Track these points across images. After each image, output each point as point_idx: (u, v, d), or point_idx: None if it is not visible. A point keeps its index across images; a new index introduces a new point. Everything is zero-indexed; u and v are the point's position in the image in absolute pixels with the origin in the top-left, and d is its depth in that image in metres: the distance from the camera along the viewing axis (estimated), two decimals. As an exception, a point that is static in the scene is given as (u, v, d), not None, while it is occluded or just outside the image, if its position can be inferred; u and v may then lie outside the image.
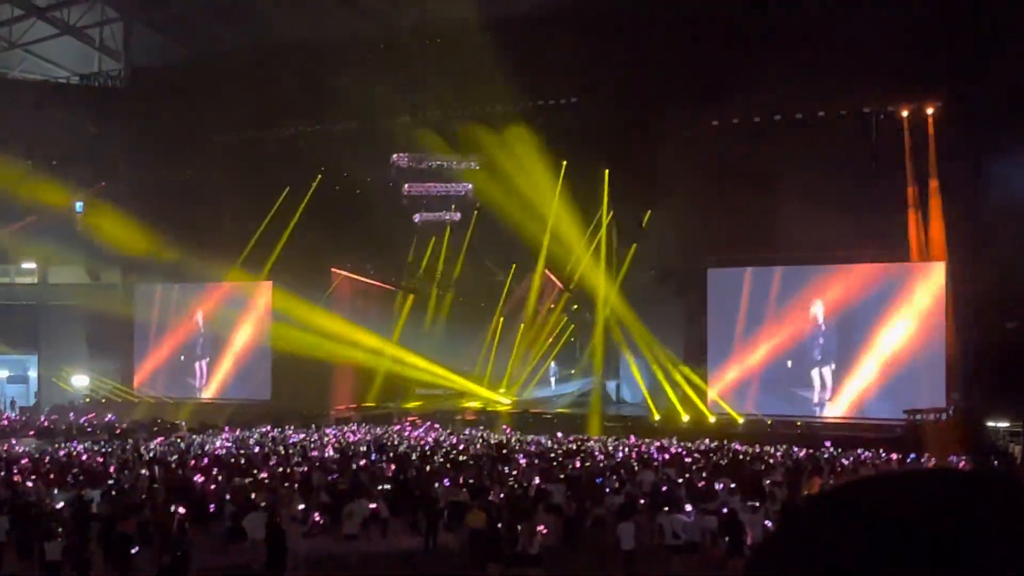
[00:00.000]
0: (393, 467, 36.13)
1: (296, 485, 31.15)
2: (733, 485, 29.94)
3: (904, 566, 1.59)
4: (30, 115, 59.55)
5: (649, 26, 51.42)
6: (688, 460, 39.07)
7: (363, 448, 43.95)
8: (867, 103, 49.78)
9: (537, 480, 32.46)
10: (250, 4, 62.02)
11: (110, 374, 68.33)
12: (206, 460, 38.28)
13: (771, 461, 39.22)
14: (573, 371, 61.93)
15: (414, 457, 39.67)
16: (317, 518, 27.49)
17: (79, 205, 66.50)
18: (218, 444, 45.56)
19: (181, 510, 26.53)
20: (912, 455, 40.15)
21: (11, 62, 71.38)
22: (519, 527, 24.64)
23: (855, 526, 1.67)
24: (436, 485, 31.06)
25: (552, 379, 61.00)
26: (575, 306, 60.68)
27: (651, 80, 52.59)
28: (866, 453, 41.41)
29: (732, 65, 49.55)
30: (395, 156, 62.31)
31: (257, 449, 43.08)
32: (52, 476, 33.76)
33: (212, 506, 28.58)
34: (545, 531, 24.45)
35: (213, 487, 31.38)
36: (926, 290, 49.66)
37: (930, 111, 49.27)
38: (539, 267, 60.68)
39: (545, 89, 56.59)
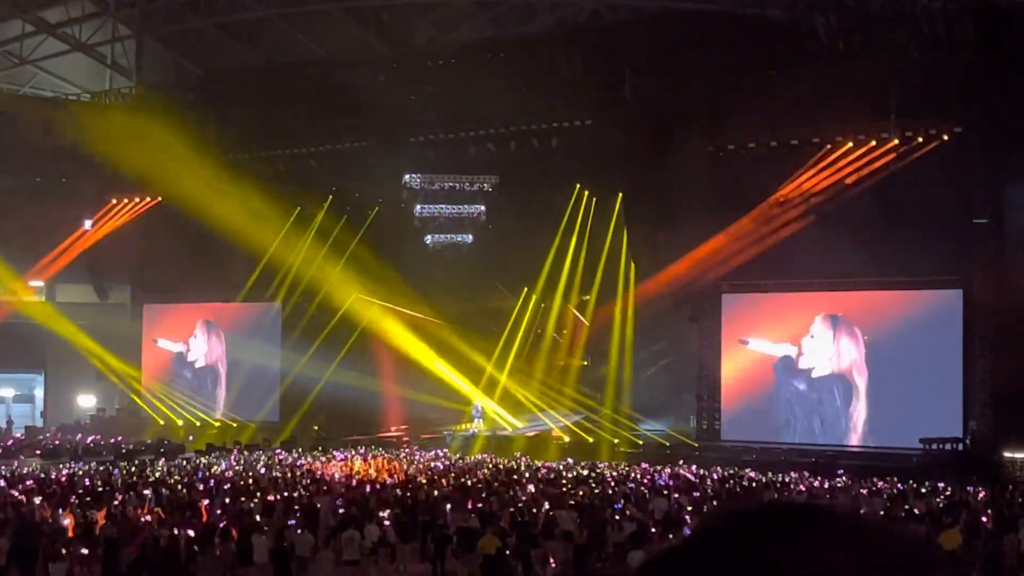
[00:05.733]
0: (400, 492, 35.75)
1: (303, 509, 30.72)
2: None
3: None
4: (40, 132, 59.30)
5: (665, 48, 51.07)
6: (701, 487, 38.64)
7: (370, 471, 43.58)
8: (886, 127, 49.30)
9: (547, 506, 32.02)
10: (263, 22, 61.83)
11: (117, 394, 68.07)
12: (213, 482, 37.93)
13: (784, 490, 38.78)
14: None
15: (422, 481, 39.27)
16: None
17: (88, 223, 66.26)
18: (225, 466, 45.18)
19: (189, 532, 26.25)
20: (927, 484, 39.64)
21: (22, 79, 71.20)
22: (532, 553, 24.28)
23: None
24: (445, 510, 30.68)
25: (476, 419, 59.52)
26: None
27: (667, 102, 52.24)
28: (881, 482, 40.92)
29: (748, 88, 49.28)
30: (407, 176, 61.89)
31: (264, 471, 42.71)
32: (57, 497, 33.37)
33: (218, 529, 28.16)
34: (554, 561, 24.12)
35: (219, 510, 30.99)
36: (943, 317, 49.13)
37: (947, 137, 48.77)
38: (557, 299, 60.06)
39: (559, 110, 56.12)
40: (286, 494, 34.62)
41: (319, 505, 31.99)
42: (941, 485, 39.38)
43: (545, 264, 58.70)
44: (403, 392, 59.96)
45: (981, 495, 36.86)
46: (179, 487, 36.53)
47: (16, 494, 33.71)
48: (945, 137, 48.73)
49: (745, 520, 1.69)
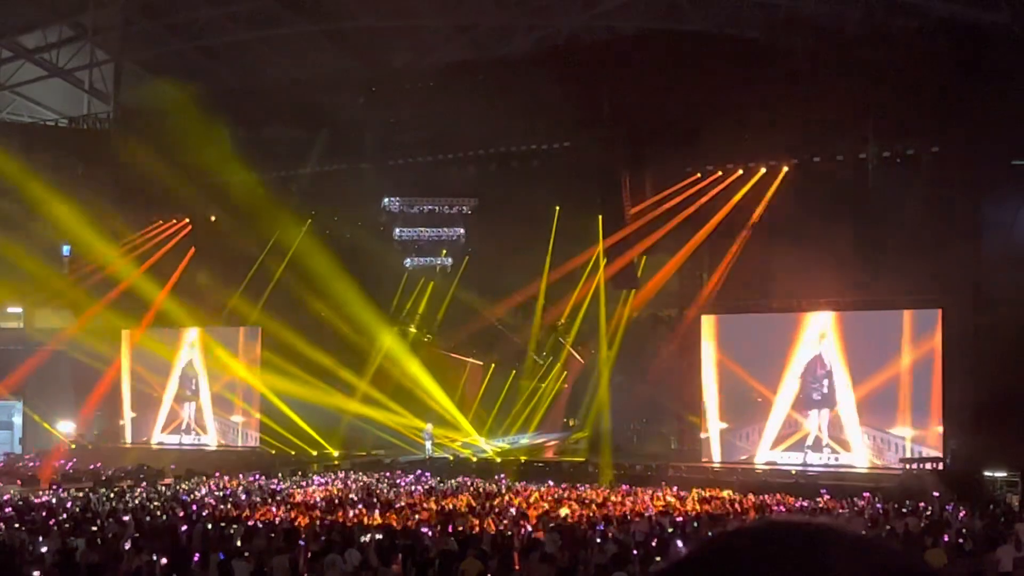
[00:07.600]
0: (380, 516, 35.67)
1: (283, 533, 30.57)
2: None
3: None
4: (17, 158, 59.04)
5: (642, 68, 51.25)
6: (682, 509, 38.58)
7: (351, 496, 43.38)
8: (863, 148, 49.50)
9: (528, 528, 31.97)
10: (242, 45, 61.77)
11: (96, 419, 67.74)
12: (193, 508, 37.76)
13: (766, 512, 38.73)
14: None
15: (401, 505, 39.16)
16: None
17: (66, 248, 66.01)
18: (204, 491, 45.01)
19: (163, 560, 26.09)
20: (908, 504, 39.65)
21: (-1, 105, 71.15)
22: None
23: None
24: (425, 533, 30.56)
25: (428, 442, 58.91)
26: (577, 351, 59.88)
27: (645, 124, 52.38)
28: (861, 502, 40.96)
29: (726, 108, 49.41)
30: (386, 199, 61.85)
31: (244, 496, 42.56)
32: (36, 524, 33.16)
33: (198, 555, 28.02)
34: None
35: (200, 535, 30.83)
36: (922, 337, 49.17)
37: (924, 157, 48.96)
38: (536, 318, 60.17)
39: (538, 132, 56.25)
40: (266, 519, 34.51)
41: (300, 529, 31.88)
42: (922, 505, 39.42)
43: (525, 286, 58.76)
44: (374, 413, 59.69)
45: (962, 514, 36.91)
46: (159, 513, 36.40)
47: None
48: (922, 157, 48.89)
49: (748, 539, 1.66)
